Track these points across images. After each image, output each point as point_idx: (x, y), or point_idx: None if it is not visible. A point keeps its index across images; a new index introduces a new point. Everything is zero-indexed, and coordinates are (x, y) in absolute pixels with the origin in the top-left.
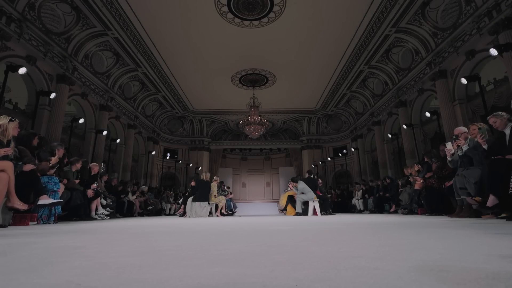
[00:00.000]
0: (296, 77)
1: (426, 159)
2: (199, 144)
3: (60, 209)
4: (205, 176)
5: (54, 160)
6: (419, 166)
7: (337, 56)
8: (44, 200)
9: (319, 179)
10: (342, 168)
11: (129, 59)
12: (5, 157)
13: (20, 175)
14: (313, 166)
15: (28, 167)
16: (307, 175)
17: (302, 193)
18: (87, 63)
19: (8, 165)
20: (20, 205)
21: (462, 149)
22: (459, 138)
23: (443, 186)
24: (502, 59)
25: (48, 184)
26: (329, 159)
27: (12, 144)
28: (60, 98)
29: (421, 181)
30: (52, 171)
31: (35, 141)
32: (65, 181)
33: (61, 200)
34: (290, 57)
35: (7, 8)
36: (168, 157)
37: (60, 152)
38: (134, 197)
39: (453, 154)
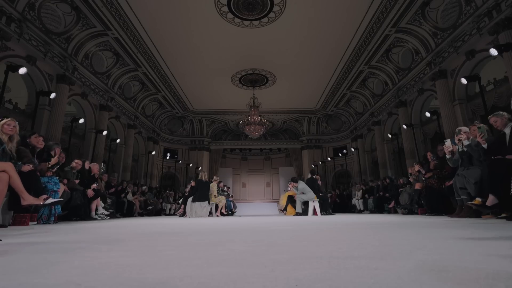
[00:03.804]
0: (296, 77)
1: (428, 158)
2: (199, 144)
3: (60, 209)
4: (204, 175)
5: (53, 160)
6: (420, 165)
7: (337, 56)
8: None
9: (319, 177)
10: (342, 168)
11: (129, 59)
12: (4, 157)
13: (20, 175)
14: (313, 166)
15: (26, 168)
16: (309, 175)
17: (302, 193)
18: (87, 63)
19: (9, 165)
20: (36, 200)
21: (463, 144)
22: (461, 133)
23: (443, 186)
24: (502, 59)
25: (48, 184)
26: (329, 159)
27: (10, 143)
28: (60, 98)
29: (426, 175)
30: (51, 173)
31: (35, 140)
32: (65, 181)
33: (62, 199)
34: (290, 57)
35: (7, 8)
36: (168, 157)
37: (57, 152)
38: (134, 197)
39: (451, 152)
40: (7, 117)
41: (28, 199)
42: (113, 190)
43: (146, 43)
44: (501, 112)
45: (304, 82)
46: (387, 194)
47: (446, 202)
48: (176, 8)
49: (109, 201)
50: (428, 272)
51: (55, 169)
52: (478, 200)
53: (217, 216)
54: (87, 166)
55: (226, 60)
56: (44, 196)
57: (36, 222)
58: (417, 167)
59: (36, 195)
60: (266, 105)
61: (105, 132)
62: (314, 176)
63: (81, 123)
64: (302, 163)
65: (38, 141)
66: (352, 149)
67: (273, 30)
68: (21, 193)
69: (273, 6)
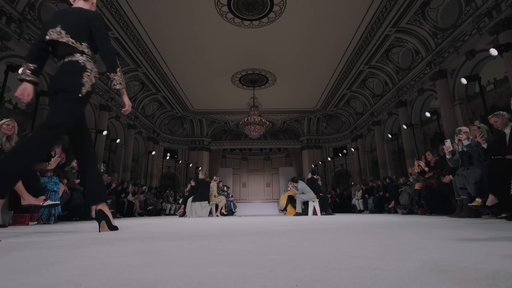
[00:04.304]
0: (296, 77)
1: (428, 158)
2: (199, 144)
3: (60, 209)
4: (203, 175)
5: (53, 161)
6: (419, 162)
7: (337, 56)
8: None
9: (319, 177)
10: (342, 168)
11: (129, 59)
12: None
13: None
14: (313, 166)
15: None
16: (310, 175)
17: (302, 193)
18: None
19: None
20: (35, 200)
21: (463, 144)
22: (461, 133)
23: (443, 183)
24: (502, 59)
25: (48, 184)
26: (329, 159)
27: (7, 143)
28: None
29: (426, 175)
30: (51, 173)
31: None
32: (65, 181)
33: (57, 202)
34: (290, 57)
35: (7, 8)
36: (168, 157)
37: (58, 152)
38: (135, 197)
39: (451, 152)
40: (7, 118)
41: (28, 199)
42: (113, 186)
43: (146, 43)
44: (501, 112)
45: (304, 82)
46: (387, 194)
47: (446, 202)
48: (176, 8)
49: (109, 201)
50: (428, 272)
51: (55, 166)
52: (478, 201)
53: (217, 216)
54: None
55: (226, 60)
56: (43, 197)
57: (36, 222)
58: (417, 168)
59: (35, 195)
60: (266, 105)
61: (105, 132)
62: (315, 176)
63: None
64: (302, 163)
65: None
66: (352, 149)
67: (273, 30)
68: (21, 193)
69: (273, 6)
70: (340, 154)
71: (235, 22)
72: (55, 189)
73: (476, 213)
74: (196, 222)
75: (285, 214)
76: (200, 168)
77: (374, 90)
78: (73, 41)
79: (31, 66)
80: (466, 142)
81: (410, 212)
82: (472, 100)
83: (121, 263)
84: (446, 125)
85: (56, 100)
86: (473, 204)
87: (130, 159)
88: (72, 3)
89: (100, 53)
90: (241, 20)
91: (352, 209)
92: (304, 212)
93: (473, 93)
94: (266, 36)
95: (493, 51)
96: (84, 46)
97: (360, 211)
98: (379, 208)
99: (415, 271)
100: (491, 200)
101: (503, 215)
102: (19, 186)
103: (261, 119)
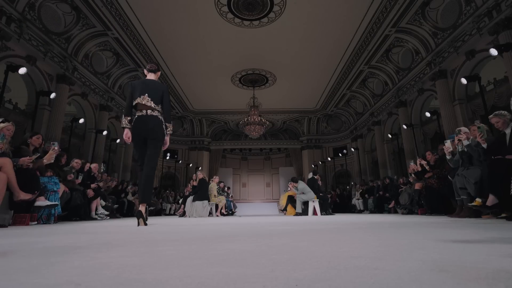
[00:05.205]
0: (296, 77)
1: (428, 157)
2: (199, 144)
3: (60, 209)
4: (201, 175)
5: (48, 155)
6: (423, 161)
7: (337, 56)
8: (41, 202)
9: (319, 177)
10: (342, 168)
11: (129, 59)
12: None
13: (19, 173)
14: (313, 166)
15: (23, 160)
16: (310, 175)
17: (302, 193)
18: (87, 63)
19: (6, 162)
20: (25, 196)
21: (462, 144)
22: (461, 133)
23: (442, 182)
24: (502, 59)
25: (48, 184)
26: (329, 159)
27: (4, 143)
28: (60, 98)
29: (426, 175)
30: (50, 173)
31: (36, 141)
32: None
33: (56, 203)
34: (290, 57)
35: (7, 8)
36: (168, 157)
37: (55, 149)
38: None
39: (451, 153)
40: (8, 121)
41: (19, 195)
42: (113, 185)
43: (146, 43)
44: (503, 112)
45: (304, 82)
46: (387, 194)
47: (446, 202)
48: (176, 8)
49: (109, 200)
50: (428, 272)
51: (52, 160)
52: (478, 201)
53: (217, 216)
54: (86, 167)
55: (226, 60)
56: (38, 195)
57: (36, 222)
58: (419, 163)
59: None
60: (266, 105)
61: (105, 132)
62: (315, 176)
63: (81, 123)
64: (302, 163)
65: (37, 142)
66: (352, 149)
67: (273, 30)
68: (13, 189)
69: (273, 6)
70: (340, 154)
71: (235, 22)
72: (55, 189)
73: (476, 213)
74: (196, 222)
75: (285, 214)
76: (200, 168)
77: (374, 90)
78: (155, 105)
79: (128, 118)
80: (466, 142)
81: (410, 212)
82: (472, 100)
83: (121, 263)
84: (446, 125)
85: (156, 145)
86: (473, 204)
87: (130, 159)
88: (146, 74)
89: (164, 109)
90: (241, 20)
91: (352, 209)
92: (304, 212)
93: (473, 93)
94: (266, 36)
95: (493, 51)
96: (159, 107)
97: (360, 211)
98: (379, 208)
99: (415, 271)
100: (491, 200)
101: (503, 215)
102: (13, 183)
103: (261, 119)
